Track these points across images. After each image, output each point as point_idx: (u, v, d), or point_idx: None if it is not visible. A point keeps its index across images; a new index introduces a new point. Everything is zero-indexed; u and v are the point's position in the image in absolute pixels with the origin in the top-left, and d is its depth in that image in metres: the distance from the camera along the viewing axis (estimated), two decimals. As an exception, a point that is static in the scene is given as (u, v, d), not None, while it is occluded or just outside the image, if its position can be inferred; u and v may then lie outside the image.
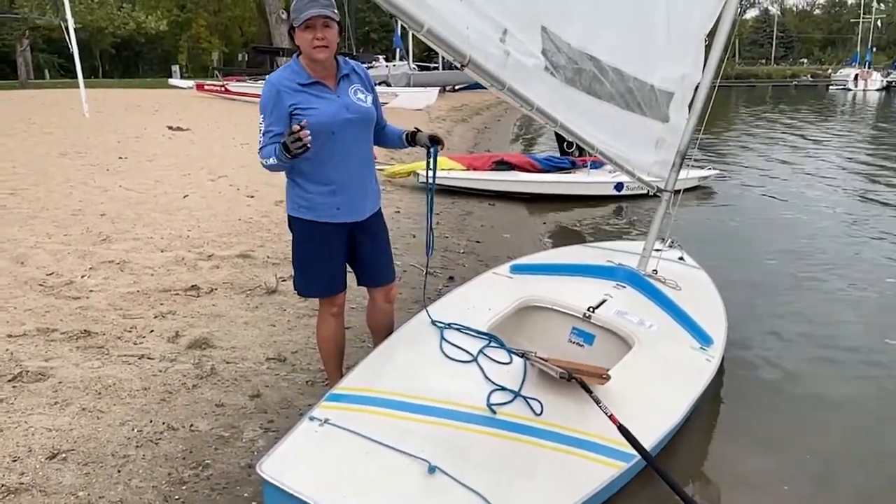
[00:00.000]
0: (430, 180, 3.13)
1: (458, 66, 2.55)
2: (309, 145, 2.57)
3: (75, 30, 15.23)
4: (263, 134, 2.79)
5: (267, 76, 3.19)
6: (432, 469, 2.28)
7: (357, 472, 2.31)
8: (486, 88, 2.83)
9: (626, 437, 2.44)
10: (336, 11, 2.75)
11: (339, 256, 3.04)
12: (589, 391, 2.64)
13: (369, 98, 2.96)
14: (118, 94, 23.43)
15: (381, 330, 3.32)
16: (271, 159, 2.73)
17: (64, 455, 2.76)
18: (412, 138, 3.09)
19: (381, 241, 3.15)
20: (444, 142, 3.11)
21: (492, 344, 3.07)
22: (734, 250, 6.99)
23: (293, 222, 2.99)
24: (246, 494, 2.64)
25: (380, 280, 3.21)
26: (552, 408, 2.66)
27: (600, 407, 2.55)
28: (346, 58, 2.98)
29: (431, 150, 3.06)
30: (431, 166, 3.12)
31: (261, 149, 2.79)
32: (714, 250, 6.55)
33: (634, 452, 2.44)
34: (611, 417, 2.50)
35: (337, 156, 2.85)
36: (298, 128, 2.54)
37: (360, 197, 2.97)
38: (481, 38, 2.60)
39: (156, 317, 4.24)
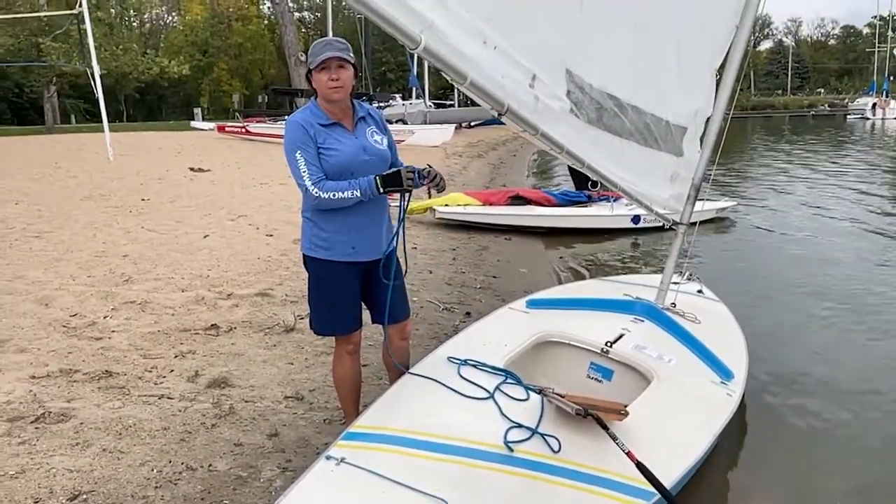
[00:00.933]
0: (399, 218, 3.08)
1: (496, 114, 2.62)
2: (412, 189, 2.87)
3: (101, 76, 15.73)
4: (308, 165, 2.82)
5: (287, 117, 3.26)
6: (449, 508, 2.26)
7: (373, 512, 2.29)
8: (501, 124, 2.87)
9: (644, 474, 2.41)
10: (352, 55, 2.84)
11: (355, 295, 3.07)
12: (605, 427, 2.61)
13: (384, 140, 3.04)
14: (142, 137, 24.00)
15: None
16: (346, 193, 2.81)
17: (84, 496, 2.78)
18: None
19: (395, 279, 3.17)
20: (430, 174, 2.93)
21: (508, 380, 3.05)
22: (754, 282, 6.92)
23: (309, 262, 3.04)
24: (263, 535, 2.64)
25: (395, 317, 3.22)
26: (570, 445, 2.63)
27: (617, 444, 2.52)
28: (361, 100, 3.05)
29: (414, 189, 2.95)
30: (403, 203, 3.02)
31: (317, 182, 2.81)
32: (733, 282, 6.50)
33: (654, 490, 2.40)
34: (629, 454, 2.47)
35: None
36: (430, 181, 2.89)
37: (375, 236, 3.02)
38: (515, 85, 2.66)
39: (176, 356, 4.28)
